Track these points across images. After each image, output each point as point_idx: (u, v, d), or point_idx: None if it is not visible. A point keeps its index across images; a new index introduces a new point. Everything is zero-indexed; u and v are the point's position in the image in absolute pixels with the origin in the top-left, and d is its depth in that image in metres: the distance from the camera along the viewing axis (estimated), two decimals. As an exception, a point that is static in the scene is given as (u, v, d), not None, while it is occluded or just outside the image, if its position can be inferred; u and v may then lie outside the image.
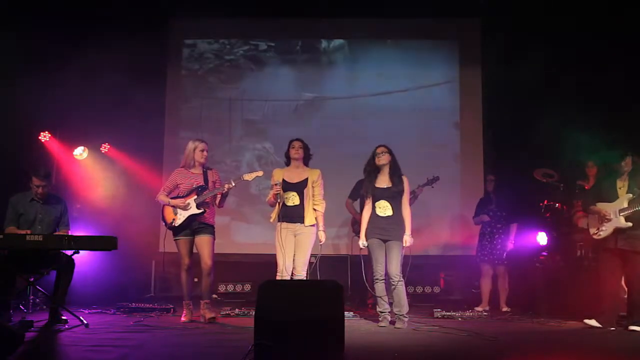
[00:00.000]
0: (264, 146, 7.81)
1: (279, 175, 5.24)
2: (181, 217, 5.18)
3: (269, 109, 7.85)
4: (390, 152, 5.23)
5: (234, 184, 5.19)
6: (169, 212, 5.26)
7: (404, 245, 5.07)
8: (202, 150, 5.27)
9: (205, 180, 5.28)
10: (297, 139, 5.35)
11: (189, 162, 5.30)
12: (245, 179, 5.23)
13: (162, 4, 7.52)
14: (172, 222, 5.21)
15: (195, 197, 5.19)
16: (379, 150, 5.23)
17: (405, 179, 5.18)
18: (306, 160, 5.32)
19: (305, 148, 5.31)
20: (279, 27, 7.96)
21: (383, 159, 5.18)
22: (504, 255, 6.34)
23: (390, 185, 5.15)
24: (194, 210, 5.16)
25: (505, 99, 7.35)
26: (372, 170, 5.22)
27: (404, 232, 5.10)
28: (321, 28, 8.05)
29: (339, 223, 7.37)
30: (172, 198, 5.26)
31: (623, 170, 5.11)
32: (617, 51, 6.49)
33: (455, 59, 7.91)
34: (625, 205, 4.99)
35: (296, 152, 5.25)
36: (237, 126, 7.89)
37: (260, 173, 5.25)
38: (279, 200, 5.16)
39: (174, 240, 5.27)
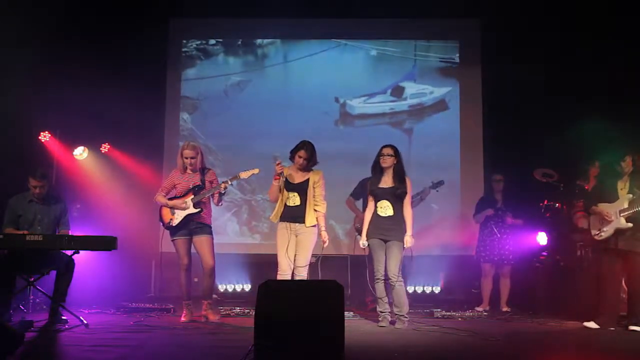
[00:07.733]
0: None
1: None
2: (178, 216, 5.19)
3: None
4: (395, 155, 5.15)
5: (230, 183, 5.19)
6: (166, 212, 5.28)
7: (405, 246, 5.06)
8: (187, 158, 5.19)
9: (202, 180, 5.29)
10: (303, 148, 5.06)
11: (181, 165, 5.30)
12: (241, 176, 5.22)
13: (162, 4, 7.52)
14: (169, 222, 5.23)
15: (192, 196, 5.20)
16: (384, 151, 5.16)
17: (408, 180, 5.16)
18: (310, 166, 5.18)
19: (311, 158, 5.09)
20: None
21: (388, 162, 5.13)
22: (511, 255, 6.31)
23: (392, 186, 5.12)
24: (191, 209, 5.17)
25: (505, 99, 7.34)
26: (377, 170, 5.20)
27: (405, 232, 5.09)
28: (331, 26, 8.03)
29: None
30: (169, 199, 5.28)
31: (624, 172, 5.10)
32: (617, 50, 6.49)
33: (455, 59, 7.90)
34: (626, 205, 4.98)
35: (300, 165, 5.09)
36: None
37: (256, 171, 5.21)
38: (282, 178, 5.06)
39: (172, 240, 5.28)
